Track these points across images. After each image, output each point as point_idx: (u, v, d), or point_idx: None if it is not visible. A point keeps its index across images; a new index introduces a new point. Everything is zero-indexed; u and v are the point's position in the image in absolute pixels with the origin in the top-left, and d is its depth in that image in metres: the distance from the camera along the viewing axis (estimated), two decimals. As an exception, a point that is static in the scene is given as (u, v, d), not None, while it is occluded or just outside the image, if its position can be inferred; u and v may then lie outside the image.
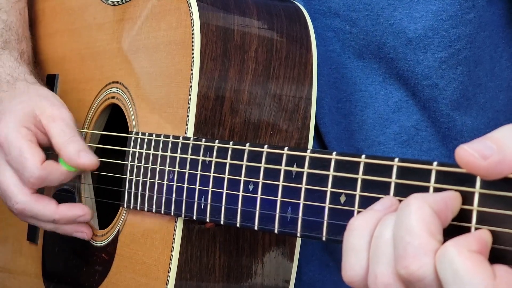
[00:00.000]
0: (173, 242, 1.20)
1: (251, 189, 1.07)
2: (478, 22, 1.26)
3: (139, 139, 1.29)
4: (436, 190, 0.84)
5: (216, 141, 1.14)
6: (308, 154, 0.99)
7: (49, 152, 1.37)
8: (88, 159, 1.32)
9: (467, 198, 0.81)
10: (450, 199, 0.81)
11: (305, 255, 1.34)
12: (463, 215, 0.81)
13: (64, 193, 1.46)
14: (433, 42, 1.25)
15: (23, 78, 1.46)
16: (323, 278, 1.37)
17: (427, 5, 1.24)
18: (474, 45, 1.27)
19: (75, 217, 1.35)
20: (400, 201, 0.85)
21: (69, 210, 1.35)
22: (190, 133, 1.20)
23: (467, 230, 0.81)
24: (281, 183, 1.03)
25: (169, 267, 1.20)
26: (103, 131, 1.45)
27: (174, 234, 1.21)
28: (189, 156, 1.18)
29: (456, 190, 0.82)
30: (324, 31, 1.30)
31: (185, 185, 1.18)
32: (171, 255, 1.20)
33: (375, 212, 0.87)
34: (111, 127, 1.44)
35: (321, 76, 1.30)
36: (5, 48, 1.50)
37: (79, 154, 1.32)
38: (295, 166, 1.01)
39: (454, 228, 0.82)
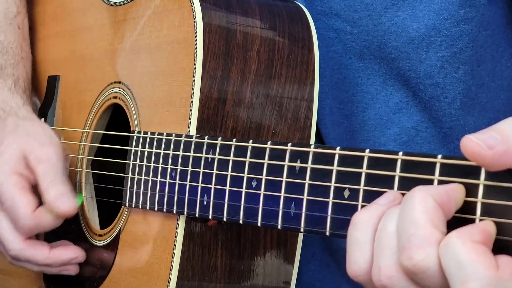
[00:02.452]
0: (175, 240, 1.20)
1: (254, 185, 1.07)
2: (480, 21, 1.26)
3: (141, 138, 1.29)
4: (441, 183, 0.84)
5: (219, 138, 1.14)
6: (311, 149, 1.00)
7: None
8: (66, 206, 1.32)
9: (471, 190, 0.81)
10: (454, 191, 0.82)
11: (305, 255, 1.34)
12: (468, 207, 0.82)
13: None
14: (435, 41, 1.26)
15: (14, 114, 1.45)
16: (323, 278, 1.37)
17: (430, 4, 1.25)
18: (476, 44, 1.27)
19: (68, 260, 1.38)
20: (404, 195, 0.85)
21: (62, 254, 1.37)
22: (193, 131, 1.20)
23: (471, 222, 0.81)
24: (284, 179, 1.03)
25: (171, 265, 1.20)
26: (105, 131, 1.45)
27: (176, 232, 1.21)
28: (191, 154, 1.18)
29: (460, 183, 0.82)
30: (326, 31, 1.31)
31: (188, 183, 1.18)
32: (173, 253, 1.20)
33: (379, 206, 0.87)
34: (113, 127, 1.44)
35: (323, 77, 1.30)
36: (0, 75, 1.50)
37: (56, 200, 1.32)
38: (298, 161, 1.01)
39: (458, 220, 0.82)
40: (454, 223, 0.82)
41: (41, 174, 1.35)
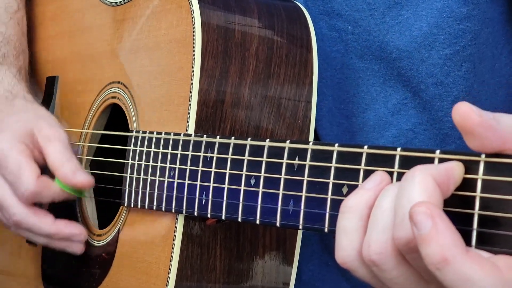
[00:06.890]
0: (173, 240, 1.20)
1: (252, 183, 1.07)
2: (482, 18, 1.27)
3: (139, 137, 1.29)
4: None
5: (218, 136, 1.14)
6: (310, 146, 0.99)
7: (44, 172, 1.37)
8: (83, 178, 1.34)
9: (472, 169, 0.81)
10: (453, 170, 0.82)
11: (304, 254, 1.34)
12: (468, 184, 0.81)
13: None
14: (438, 39, 1.26)
15: (22, 96, 1.47)
16: (322, 277, 1.37)
17: (433, 2, 1.25)
18: (479, 41, 1.27)
19: (71, 235, 1.37)
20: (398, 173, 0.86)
21: (66, 227, 1.37)
22: (191, 130, 1.20)
23: (470, 199, 0.81)
24: (283, 176, 1.03)
25: (170, 265, 1.20)
26: (103, 131, 1.45)
27: (175, 232, 1.21)
28: (190, 153, 1.18)
29: (460, 160, 0.82)
30: (329, 31, 1.31)
31: (186, 182, 1.18)
32: (172, 252, 1.20)
33: (366, 191, 0.87)
34: (111, 127, 1.44)
35: (325, 77, 1.30)
36: (3, 63, 1.51)
37: (75, 173, 1.34)
38: (297, 159, 1.01)
39: (457, 198, 0.82)
40: (452, 201, 0.82)
41: (53, 151, 1.36)
